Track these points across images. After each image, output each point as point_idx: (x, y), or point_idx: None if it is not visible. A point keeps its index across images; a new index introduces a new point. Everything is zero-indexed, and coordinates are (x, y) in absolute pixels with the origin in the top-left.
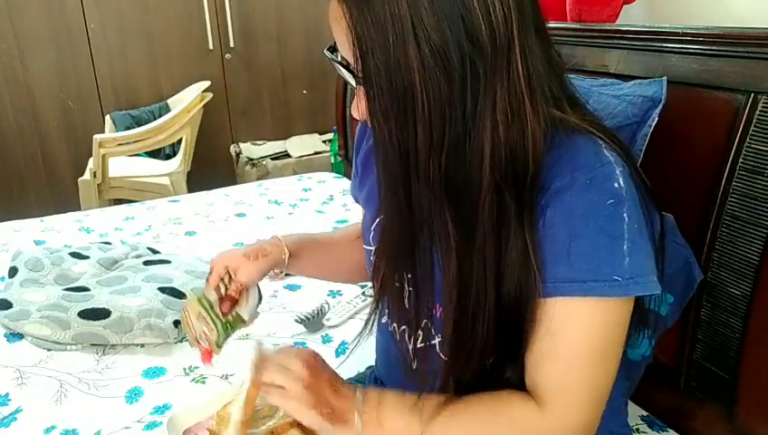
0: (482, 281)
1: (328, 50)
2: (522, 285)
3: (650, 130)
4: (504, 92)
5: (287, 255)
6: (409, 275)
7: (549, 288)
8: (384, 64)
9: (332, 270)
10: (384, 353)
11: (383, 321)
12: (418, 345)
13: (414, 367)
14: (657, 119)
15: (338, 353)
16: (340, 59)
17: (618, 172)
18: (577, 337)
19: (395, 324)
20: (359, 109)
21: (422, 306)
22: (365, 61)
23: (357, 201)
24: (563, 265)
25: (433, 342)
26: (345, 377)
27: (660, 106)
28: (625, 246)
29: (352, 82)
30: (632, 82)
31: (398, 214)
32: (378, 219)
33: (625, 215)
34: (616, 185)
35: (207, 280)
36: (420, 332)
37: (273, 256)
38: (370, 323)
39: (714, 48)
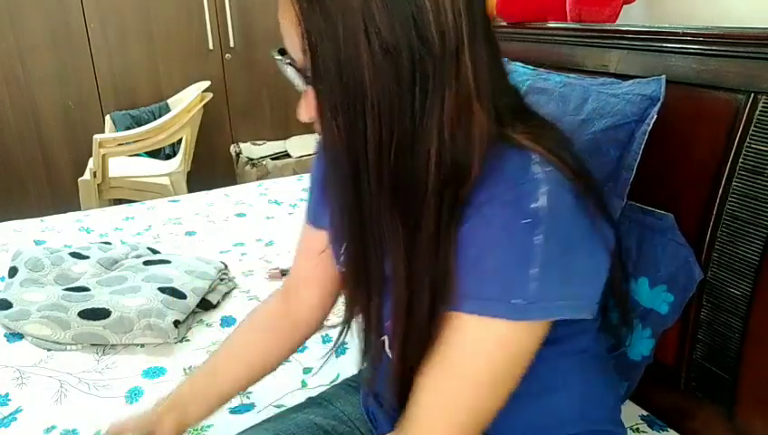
0: (419, 286)
1: (278, 52)
2: (440, 294)
3: (649, 129)
4: (453, 94)
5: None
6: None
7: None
8: (334, 59)
9: (251, 377)
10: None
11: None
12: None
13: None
14: (655, 117)
15: (337, 353)
16: (289, 61)
17: (542, 190)
18: (468, 355)
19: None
20: (306, 109)
21: (378, 314)
22: (314, 55)
23: (315, 224)
24: (468, 280)
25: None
26: (343, 377)
27: (659, 104)
28: (534, 270)
29: (300, 83)
30: (631, 81)
31: (348, 218)
32: None
33: (540, 236)
34: (533, 205)
35: None
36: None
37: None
38: (343, 334)
39: (714, 48)
